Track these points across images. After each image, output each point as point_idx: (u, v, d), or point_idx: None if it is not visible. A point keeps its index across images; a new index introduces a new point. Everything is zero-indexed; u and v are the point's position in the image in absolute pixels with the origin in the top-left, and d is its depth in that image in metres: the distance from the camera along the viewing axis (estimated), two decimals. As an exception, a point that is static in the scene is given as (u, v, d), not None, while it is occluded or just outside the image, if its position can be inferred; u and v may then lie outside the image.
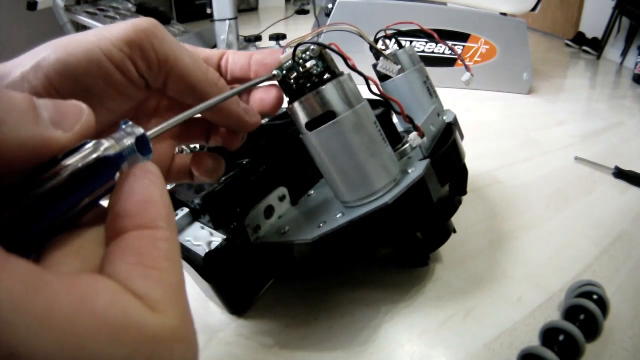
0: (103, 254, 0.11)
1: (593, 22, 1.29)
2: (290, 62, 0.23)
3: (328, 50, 0.23)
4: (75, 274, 0.10)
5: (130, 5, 1.09)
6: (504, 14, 0.79)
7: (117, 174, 0.12)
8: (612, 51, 1.20)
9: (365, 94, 0.25)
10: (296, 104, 0.23)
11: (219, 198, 0.30)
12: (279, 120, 0.33)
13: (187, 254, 0.28)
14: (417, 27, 0.36)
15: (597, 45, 1.23)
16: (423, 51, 0.82)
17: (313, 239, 0.25)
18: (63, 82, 0.15)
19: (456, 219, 0.33)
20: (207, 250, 0.28)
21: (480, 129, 0.65)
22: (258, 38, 1.20)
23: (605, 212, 0.44)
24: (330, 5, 0.82)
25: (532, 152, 0.57)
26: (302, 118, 0.23)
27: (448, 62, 0.82)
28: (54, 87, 0.15)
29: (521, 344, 0.28)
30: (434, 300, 0.32)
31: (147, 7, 1.06)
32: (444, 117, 0.35)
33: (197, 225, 0.31)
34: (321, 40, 0.30)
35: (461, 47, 0.81)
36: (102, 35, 0.16)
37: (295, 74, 0.23)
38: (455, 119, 0.37)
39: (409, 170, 0.26)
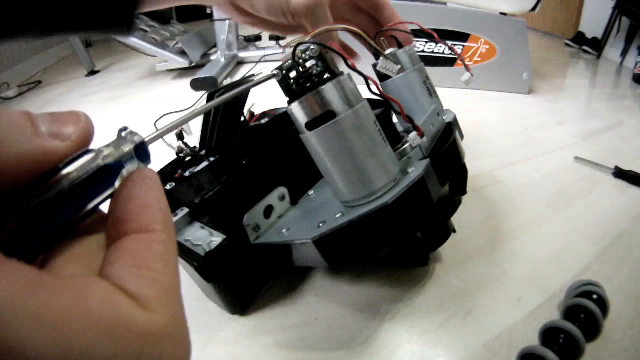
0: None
1: (593, 22, 1.29)
2: (290, 62, 0.23)
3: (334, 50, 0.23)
4: (71, 277, 0.10)
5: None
6: (504, 14, 0.79)
7: (118, 181, 0.12)
8: (612, 51, 1.20)
9: (365, 94, 0.25)
10: (296, 104, 0.23)
11: (219, 198, 0.30)
12: (278, 120, 0.33)
13: (187, 254, 0.28)
14: (417, 27, 0.36)
15: (597, 45, 1.23)
16: (423, 51, 0.82)
17: (313, 239, 0.25)
18: None
19: (456, 219, 0.34)
20: (207, 250, 0.28)
21: (480, 129, 0.65)
22: (258, 38, 1.20)
23: (605, 212, 0.43)
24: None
25: (532, 152, 0.57)
26: (302, 118, 0.23)
27: (448, 62, 0.82)
28: None
29: (521, 343, 0.28)
30: (434, 300, 0.32)
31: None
32: (444, 117, 0.35)
33: (197, 225, 0.31)
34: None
35: (461, 47, 0.81)
36: None
37: (295, 74, 0.23)
38: (455, 119, 0.37)
39: (409, 170, 0.26)
